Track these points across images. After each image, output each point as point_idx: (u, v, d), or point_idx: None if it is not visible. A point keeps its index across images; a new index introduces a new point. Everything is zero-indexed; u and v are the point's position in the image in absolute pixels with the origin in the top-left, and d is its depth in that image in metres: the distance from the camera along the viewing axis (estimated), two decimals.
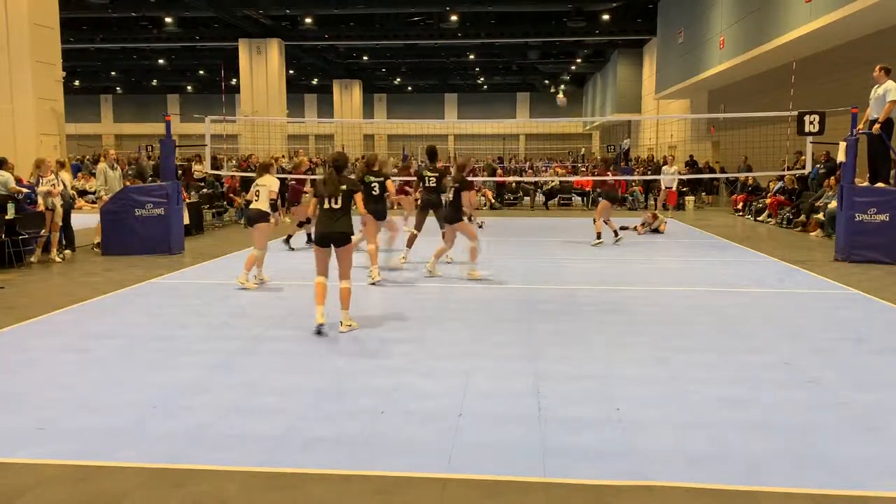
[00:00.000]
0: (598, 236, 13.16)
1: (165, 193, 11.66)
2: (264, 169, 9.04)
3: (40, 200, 10.84)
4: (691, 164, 25.26)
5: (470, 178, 10.79)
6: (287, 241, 12.54)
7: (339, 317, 6.72)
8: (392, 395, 4.92)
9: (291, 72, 40.90)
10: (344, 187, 6.71)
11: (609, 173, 14.96)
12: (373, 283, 8.89)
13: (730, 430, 4.31)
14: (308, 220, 11.53)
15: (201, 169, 19.03)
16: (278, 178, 9.70)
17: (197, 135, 17.92)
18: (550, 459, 3.89)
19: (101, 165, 12.57)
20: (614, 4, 29.89)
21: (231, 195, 18.02)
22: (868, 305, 7.89)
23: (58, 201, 11.00)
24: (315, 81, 51.35)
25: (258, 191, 8.72)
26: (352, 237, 6.79)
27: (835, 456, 3.94)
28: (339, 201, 6.67)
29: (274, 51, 32.87)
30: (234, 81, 37.39)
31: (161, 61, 43.14)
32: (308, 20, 31.74)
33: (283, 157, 24.37)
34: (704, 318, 7.25)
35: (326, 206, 6.68)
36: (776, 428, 4.33)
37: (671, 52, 29.09)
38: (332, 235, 6.64)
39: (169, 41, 34.43)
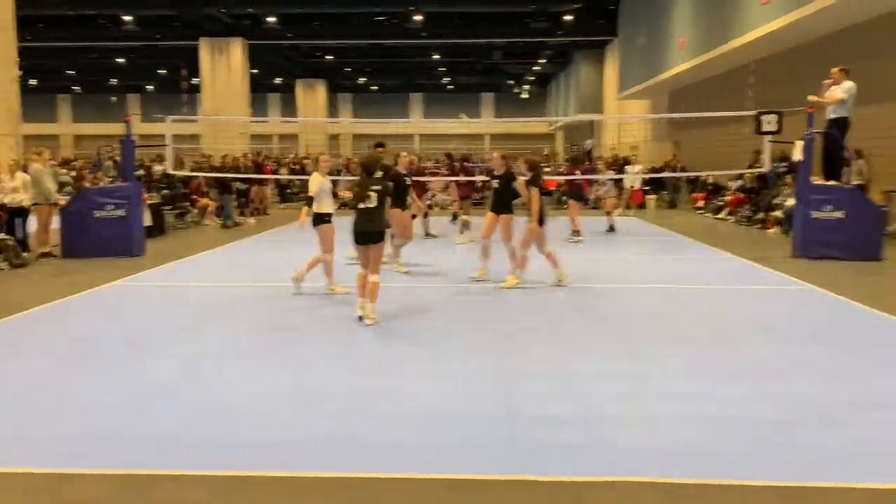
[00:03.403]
0: (576, 233, 13.56)
1: (126, 195, 11.46)
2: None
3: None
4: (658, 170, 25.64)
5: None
6: None
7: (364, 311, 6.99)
8: (360, 396, 4.92)
9: (254, 71, 40.43)
10: (377, 188, 7.14)
11: (577, 172, 15.20)
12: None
13: (695, 424, 4.39)
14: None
15: (162, 169, 18.75)
16: (240, 178, 9.52)
17: (158, 135, 17.65)
18: (519, 457, 3.93)
19: (36, 167, 11.55)
20: (576, 6, 30.15)
21: (195, 196, 17.80)
22: (825, 301, 8.09)
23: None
24: (278, 81, 50.88)
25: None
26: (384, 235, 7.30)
27: (796, 448, 4.04)
28: (374, 200, 7.10)
29: (236, 50, 32.49)
30: (195, 81, 36.90)
31: (121, 60, 42.34)
32: (271, 19, 31.47)
33: (247, 155, 24.09)
34: (669, 315, 7.38)
35: (362, 205, 7.09)
36: (740, 422, 4.43)
37: (632, 53, 29.45)
38: (368, 234, 7.10)
39: (129, 40, 33.82)
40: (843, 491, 3.54)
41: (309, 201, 8.21)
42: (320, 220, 8.26)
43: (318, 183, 8.22)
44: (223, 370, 5.52)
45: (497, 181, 9.13)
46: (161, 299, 8.25)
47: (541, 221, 8.61)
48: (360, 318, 6.94)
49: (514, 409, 4.63)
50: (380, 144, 10.88)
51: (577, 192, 14.28)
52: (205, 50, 32.47)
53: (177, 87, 44.42)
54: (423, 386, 5.11)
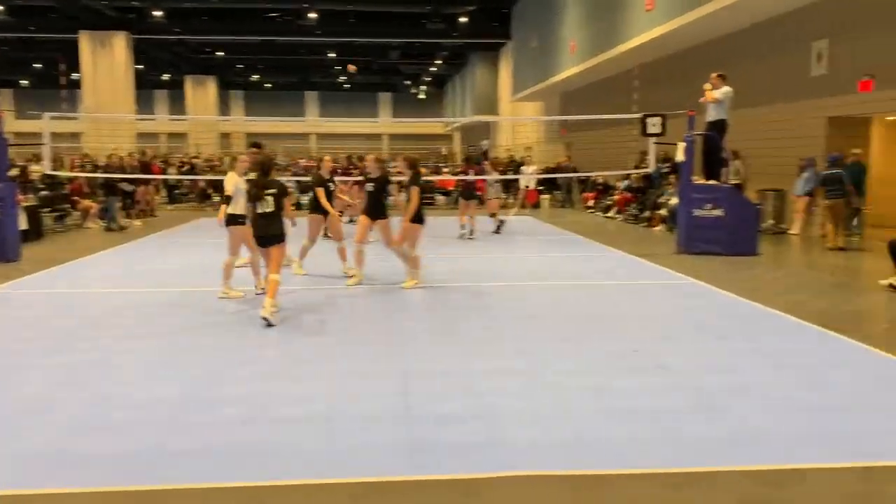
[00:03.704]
0: (471, 232, 14.21)
1: None
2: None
3: None
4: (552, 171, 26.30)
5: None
6: None
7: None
8: (258, 402, 4.80)
9: (140, 67, 38.70)
10: (273, 191, 7.18)
11: (471, 172, 15.47)
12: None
13: (589, 417, 4.54)
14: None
15: (40, 170, 17.67)
16: (125, 178, 9.12)
17: (34, 133, 16.61)
18: (418, 457, 3.94)
19: None
20: (471, 8, 30.56)
21: (77, 198, 16.87)
22: (707, 294, 8.54)
23: None
24: (166, 77, 48.94)
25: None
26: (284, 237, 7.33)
27: (683, 435, 4.25)
28: (272, 204, 7.16)
29: (120, 44, 31.00)
30: (75, 76, 34.97)
31: None
32: (157, 13, 30.23)
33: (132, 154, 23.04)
34: (561, 311, 7.59)
35: (260, 210, 7.17)
36: (630, 413, 4.60)
37: (525, 56, 30.13)
38: (268, 237, 7.23)
39: (0, 31, 31.67)
40: (729, 474, 3.74)
41: (226, 200, 8.05)
42: (233, 220, 8.13)
43: (233, 182, 8.08)
44: (110, 379, 5.25)
45: (372, 185, 9.02)
46: (39, 307, 7.77)
47: (420, 220, 8.68)
48: (265, 319, 6.93)
49: (411, 410, 4.64)
50: (256, 145, 10.70)
51: (469, 192, 14.68)
52: (85, 43, 30.83)
53: (54, 82, 42.01)
54: (321, 388, 5.04)
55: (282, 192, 7.27)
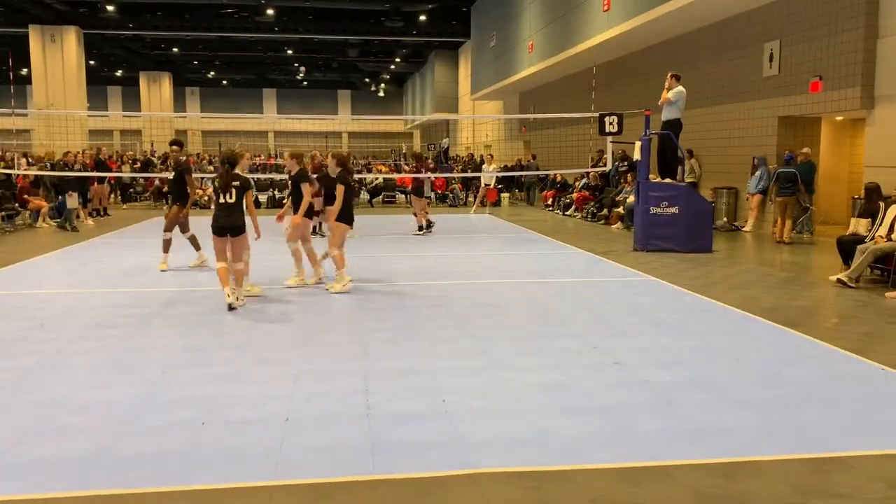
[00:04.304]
0: (420, 228, 14.53)
1: None
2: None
3: None
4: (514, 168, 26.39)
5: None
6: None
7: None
8: (213, 404, 4.72)
9: (92, 62, 37.86)
10: (236, 184, 7.62)
11: (423, 169, 15.53)
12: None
13: (546, 413, 4.57)
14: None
15: None
16: (80, 175, 8.91)
17: None
18: (379, 456, 3.92)
19: None
20: (430, 6, 30.56)
21: (27, 196, 16.41)
22: (663, 290, 8.67)
23: None
24: (119, 73, 47.98)
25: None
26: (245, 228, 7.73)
27: (639, 431, 4.30)
28: (234, 196, 7.58)
29: (71, 39, 30.30)
30: (24, 71, 34.04)
31: None
32: (109, 7, 29.59)
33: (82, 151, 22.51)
34: (521, 308, 7.63)
35: (222, 200, 7.57)
36: (588, 409, 4.65)
37: (484, 54, 30.24)
38: (227, 228, 7.61)
39: None
40: (685, 468, 3.80)
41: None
42: None
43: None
44: (59, 383, 5.12)
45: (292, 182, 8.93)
46: None
47: (347, 220, 8.45)
48: (231, 307, 7.38)
49: (371, 409, 4.61)
50: (177, 143, 10.59)
51: (418, 189, 14.83)
52: (35, 38, 30.06)
53: (2, 77, 40.81)
54: (279, 389, 4.99)
55: (245, 187, 7.72)
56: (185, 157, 10.59)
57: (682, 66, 14.70)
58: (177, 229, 10.12)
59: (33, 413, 4.55)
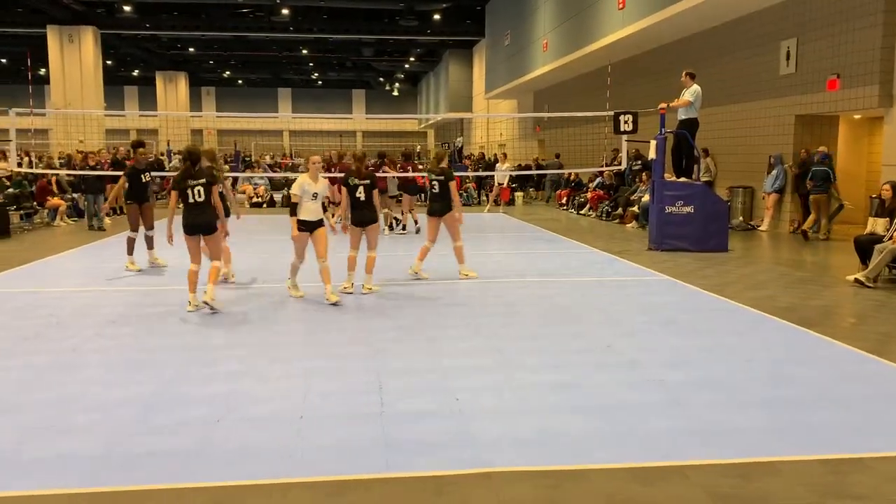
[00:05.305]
0: (404, 227, 14.75)
1: None
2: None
3: None
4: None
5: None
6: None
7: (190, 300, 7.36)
8: (228, 401, 4.75)
9: (109, 62, 38.16)
10: (203, 180, 7.36)
11: (409, 167, 15.60)
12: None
13: (559, 412, 4.56)
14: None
15: (6, 167, 17.35)
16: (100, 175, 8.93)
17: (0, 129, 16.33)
18: (392, 454, 3.93)
19: None
20: (444, 5, 30.55)
21: (48, 196, 16.57)
22: (677, 290, 8.63)
23: None
24: (136, 73, 48.33)
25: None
26: (217, 226, 7.50)
27: (651, 430, 4.28)
28: (202, 194, 7.32)
29: (88, 39, 30.55)
30: (42, 71, 34.38)
31: None
32: (126, 7, 29.81)
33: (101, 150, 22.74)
34: (534, 307, 7.62)
35: (191, 199, 7.31)
36: (600, 408, 4.64)
37: (499, 53, 30.19)
38: (199, 225, 7.35)
39: None
40: (699, 468, 3.78)
41: (293, 207, 7.70)
42: (303, 227, 7.76)
43: (300, 186, 7.67)
44: (77, 380, 5.17)
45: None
46: (3, 306, 7.61)
47: (356, 222, 8.40)
48: (207, 304, 7.29)
49: (384, 408, 4.62)
50: (138, 144, 10.70)
51: (410, 187, 15.01)
52: (53, 38, 30.34)
53: (20, 77, 41.26)
54: (293, 387, 5.01)
55: (210, 182, 7.42)
56: (152, 157, 10.53)
57: (698, 64, 14.59)
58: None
59: (49, 410, 4.60)
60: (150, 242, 10.29)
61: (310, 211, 7.71)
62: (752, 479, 3.65)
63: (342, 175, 9.62)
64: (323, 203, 7.97)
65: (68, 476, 3.68)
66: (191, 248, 7.44)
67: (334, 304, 7.63)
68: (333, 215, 10.18)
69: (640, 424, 4.37)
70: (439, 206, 9.15)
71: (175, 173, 8.16)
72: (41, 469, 3.76)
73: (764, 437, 4.19)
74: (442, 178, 9.08)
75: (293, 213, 7.69)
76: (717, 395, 4.88)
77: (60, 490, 3.53)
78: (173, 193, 7.40)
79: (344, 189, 8.34)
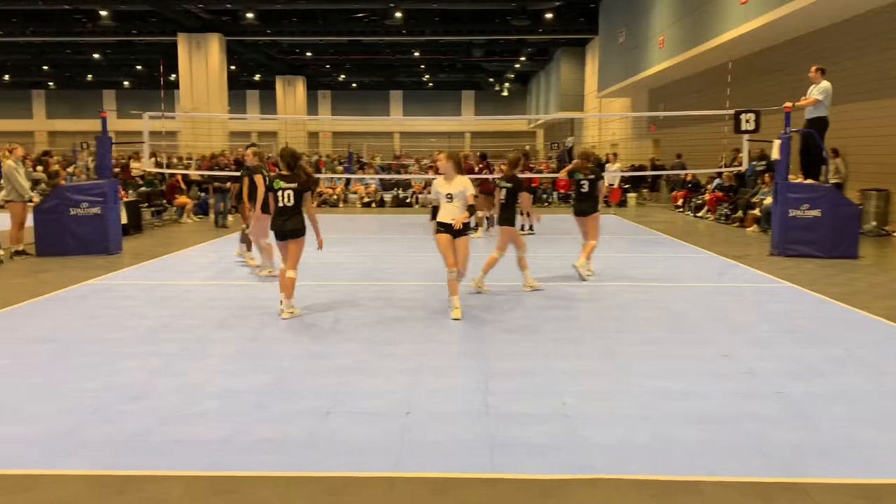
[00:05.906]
0: (475, 227, 14.20)
1: (102, 192, 11.33)
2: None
3: None
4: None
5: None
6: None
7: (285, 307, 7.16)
8: (337, 394, 4.88)
9: (233, 67, 40.09)
10: (294, 185, 7.12)
11: (483, 167, 15.36)
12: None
13: (672, 421, 4.40)
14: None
15: (139, 166, 18.58)
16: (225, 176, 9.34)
17: (134, 131, 17.47)
18: (498, 455, 3.91)
19: (8, 164, 11.07)
20: (557, 3, 30.24)
21: (176, 195, 17.61)
22: (802, 298, 8.16)
23: None
24: (257, 77, 50.56)
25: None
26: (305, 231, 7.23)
27: (771, 444, 4.06)
28: (291, 199, 7.11)
29: (214, 46, 32.23)
30: (173, 77, 36.57)
31: (96, 56, 41.87)
32: (249, 15, 31.24)
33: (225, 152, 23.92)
34: (647, 313, 7.40)
35: (281, 202, 7.14)
36: (715, 418, 4.45)
37: (612, 51, 29.58)
38: (287, 231, 7.16)
39: (104, 35, 33.45)
40: (821, 486, 3.56)
41: (434, 210, 7.81)
42: (440, 228, 7.44)
43: (437, 187, 7.53)
44: (200, 368, 5.45)
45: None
46: (136, 298, 8.14)
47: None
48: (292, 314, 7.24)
49: (490, 408, 4.61)
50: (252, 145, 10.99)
51: (486, 191, 14.48)
52: (182, 46, 32.19)
53: (153, 83, 44.02)
54: (400, 384, 5.08)
55: (302, 189, 7.15)
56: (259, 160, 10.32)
57: (826, 60, 13.75)
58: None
59: (173, 396, 4.87)
60: (249, 243, 10.49)
61: (446, 213, 7.37)
62: (881, 501, 3.40)
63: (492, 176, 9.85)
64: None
65: (193, 459, 3.88)
66: (282, 252, 7.31)
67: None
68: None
69: (758, 437, 4.16)
70: (588, 206, 9.37)
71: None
72: (170, 451, 3.99)
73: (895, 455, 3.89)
74: (592, 177, 9.39)
75: (433, 216, 7.72)
76: (843, 409, 4.58)
77: (182, 472, 3.73)
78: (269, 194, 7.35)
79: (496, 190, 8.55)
